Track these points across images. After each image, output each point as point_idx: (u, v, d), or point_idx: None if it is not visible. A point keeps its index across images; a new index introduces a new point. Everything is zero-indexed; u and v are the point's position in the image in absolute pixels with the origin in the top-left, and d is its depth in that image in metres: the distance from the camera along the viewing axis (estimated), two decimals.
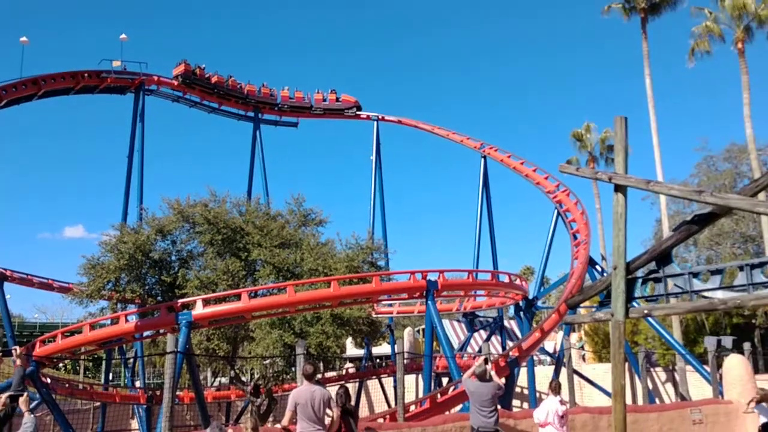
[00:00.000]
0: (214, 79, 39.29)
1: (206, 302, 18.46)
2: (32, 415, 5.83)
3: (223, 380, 34.48)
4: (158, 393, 25.20)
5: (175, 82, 37.96)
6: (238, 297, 18.83)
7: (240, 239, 22.08)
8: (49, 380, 22.60)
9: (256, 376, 22.99)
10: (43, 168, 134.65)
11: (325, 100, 43.51)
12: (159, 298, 21.49)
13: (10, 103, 31.34)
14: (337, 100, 43.88)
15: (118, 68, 35.65)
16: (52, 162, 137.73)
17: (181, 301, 18.97)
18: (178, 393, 26.55)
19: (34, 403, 24.69)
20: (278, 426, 9.35)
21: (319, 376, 29.53)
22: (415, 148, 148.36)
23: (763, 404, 11.26)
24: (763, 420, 11.54)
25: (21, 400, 6.20)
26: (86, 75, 34.61)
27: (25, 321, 55.87)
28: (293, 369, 21.91)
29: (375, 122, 42.70)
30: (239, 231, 22.16)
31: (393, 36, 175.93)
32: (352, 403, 9.50)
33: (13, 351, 6.71)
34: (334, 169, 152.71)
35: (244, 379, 24.09)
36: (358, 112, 44.22)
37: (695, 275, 9.31)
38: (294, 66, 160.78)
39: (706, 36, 31.55)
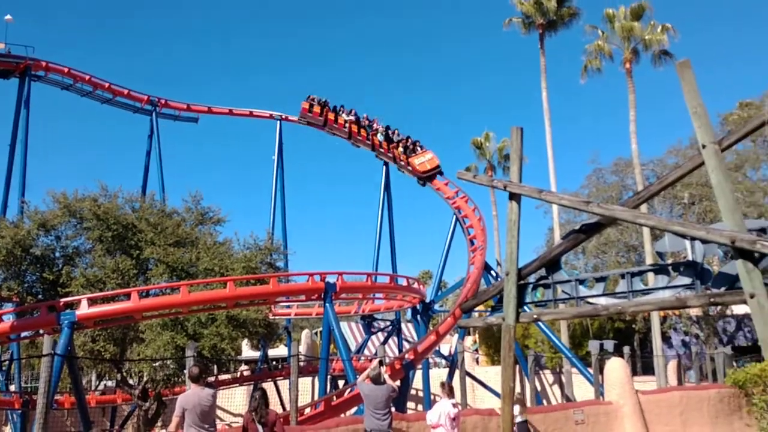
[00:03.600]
0: None
1: (92, 301, 17.55)
2: None
3: (109, 384, 32.98)
4: (35, 397, 23.70)
5: (65, 69, 35.96)
6: (127, 296, 18.03)
7: (132, 236, 21.18)
8: None
9: (145, 380, 22.06)
10: None
11: None
12: (40, 296, 20.29)
13: None
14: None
15: (2, 51, 33.41)
16: None
17: (64, 300, 17.92)
18: (58, 397, 25.07)
19: None
20: None
21: (212, 378, 28.79)
22: (318, 149, 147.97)
23: (517, 407, 12.20)
24: (518, 420, 12.54)
25: None
26: None
27: None
28: (185, 372, 21.16)
29: (278, 121, 42.16)
30: (131, 228, 21.25)
31: (297, 30, 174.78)
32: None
33: None
34: (235, 167, 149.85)
35: (131, 382, 23.06)
36: (260, 112, 43.59)
37: (581, 282, 9.73)
38: (197, 62, 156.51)
39: (597, 54, 33.21)
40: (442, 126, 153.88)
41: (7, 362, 30.44)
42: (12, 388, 29.94)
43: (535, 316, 10.40)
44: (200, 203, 24.21)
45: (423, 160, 35.45)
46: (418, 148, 36.31)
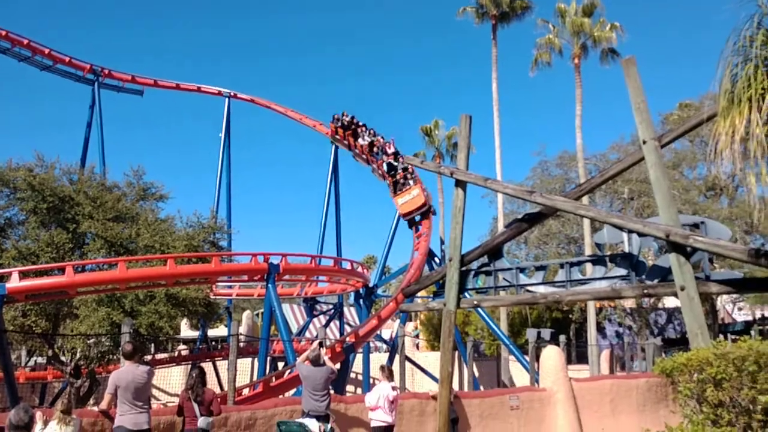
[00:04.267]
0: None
1: (24, 274, 16.94)
2: None
3: (40, 360, 32.01)
4: None
5: (3, 32, 34.39)
6: (62, 271, 17.46)
7: (69, 209, 20.52)
8: None
9: (78, 357, 21.48)
10: None
11: None
12: None
13: None
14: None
15: None
16: None
17: None
18: None
19: None
20: (95, 409, 8.76)
21: (149, 357, 28.28)
22: (267, 129, 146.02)
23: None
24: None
25: None
26: None
27: None
28: (120, 349, 20.70)
29: (226, 99, 41.46)
30: (68, 200, 20.58)
31: (248, 13, 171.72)
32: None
33: None
34: (181, 145, 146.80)
35: (63, 359, 22.41)
36: (208, 88, 42.76)
37: (522, 270, 9.90)
38: (147, 43, 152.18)
39: (548, 48, 33.68)
40: (393, 113, 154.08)
41: None
42: None
43: (475, 302, 10.53)
44: (142, 178, 23.69)
45: (406, 200, 31.10)
46: (410, 182, 31.51)
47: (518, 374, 29.36)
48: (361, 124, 35.52)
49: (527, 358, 22.63)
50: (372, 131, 35.10)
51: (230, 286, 35.85)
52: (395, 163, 32.23)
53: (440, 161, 47.58)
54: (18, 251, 19.10)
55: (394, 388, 10.98)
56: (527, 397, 14.84)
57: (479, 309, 28.42)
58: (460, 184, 9.98)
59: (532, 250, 38.42)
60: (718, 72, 5.56)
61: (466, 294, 10.34)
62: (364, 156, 34.32)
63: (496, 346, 33.95)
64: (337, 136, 35.89)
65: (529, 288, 9.59)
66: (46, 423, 7.35)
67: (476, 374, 29.68)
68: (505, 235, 10.36)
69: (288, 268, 22.00)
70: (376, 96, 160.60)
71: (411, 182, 31.48)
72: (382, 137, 34.45)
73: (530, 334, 18.74)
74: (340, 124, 35.84)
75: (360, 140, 34.60)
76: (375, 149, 33.89)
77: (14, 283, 16.42)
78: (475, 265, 10.25)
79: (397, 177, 31.73)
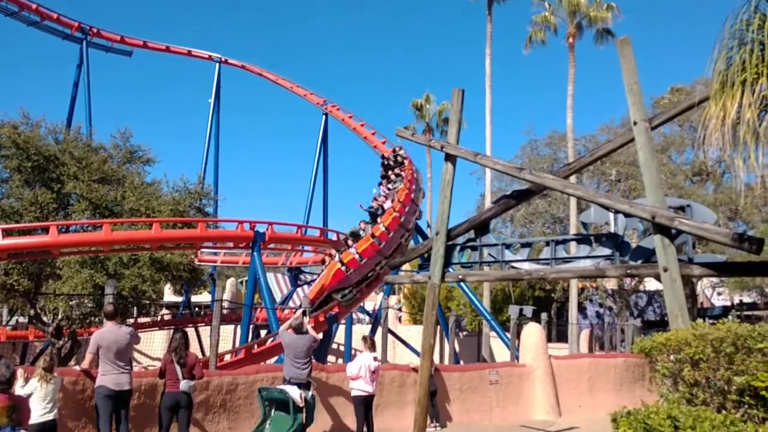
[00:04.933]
0: None
1: (7, 233, 16.81)
2: None
3: (21, 320, 31.89)
4: None
5: None
6: (46, 230, 17.33)
7: (54, 169, 20.34)
8: None
9: (60, 317, 21.44)
10: None
11: None
12: None
13: None
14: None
15: None
16: None
17: None
18: None
19: None
20: (77, 368, 8.77)
21: (131, 321, 28.25)
22: (257, 96, 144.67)
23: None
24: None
25: None
26: None
27: None
28: (102, 312, 20.68)
29: (217, 63, 41.01)
30: (53, 160, 20.39)
31: None
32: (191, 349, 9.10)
33: None
34: (169, 108, 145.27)
35: (45, 319, 22.36)
36: (198, 52, 42.19)
37: (507, 246, 9.94)
38: (137, 3, 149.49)
39: (543, 26, 33.46)
40: (384, 86, 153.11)
41: None
42: None
43: (460, 277, 10.58)
44: (129, 141, 23.51)
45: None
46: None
47: (499, 350, 29.67)
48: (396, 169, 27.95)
49: (508, 335, 22.85)
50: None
51: (215, 253, 35.83)
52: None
53: (430, 136, 47.47)
54: (1, 210, 18.94)
55: (375, 359, 11.07)
56: (507, 373, 15.04)
57: (463, 284, 28.59)
58: (450, 158, 9.96)
59: (518, 228, 38.59)
60: (713, 54, 5.55)
61: (451, 268, 10.38)
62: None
63: (477, 321, 34.24)
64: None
65: (514, 264, 9.63)
66: (27, 380, 7.36)
67: (457, 349, 29.93)
68: (492, 211, 10.39)
69: (274, 237, 21.97)
70: (368, 69, 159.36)
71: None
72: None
73: (512, 310, 18.90)
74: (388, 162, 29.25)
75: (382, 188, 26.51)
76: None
77: None
78: (461, 240, 10.28)
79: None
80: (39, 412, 7.27)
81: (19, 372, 7.29)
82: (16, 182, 19.97)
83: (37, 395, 7.35)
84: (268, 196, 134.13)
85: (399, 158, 28.72)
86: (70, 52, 38.32)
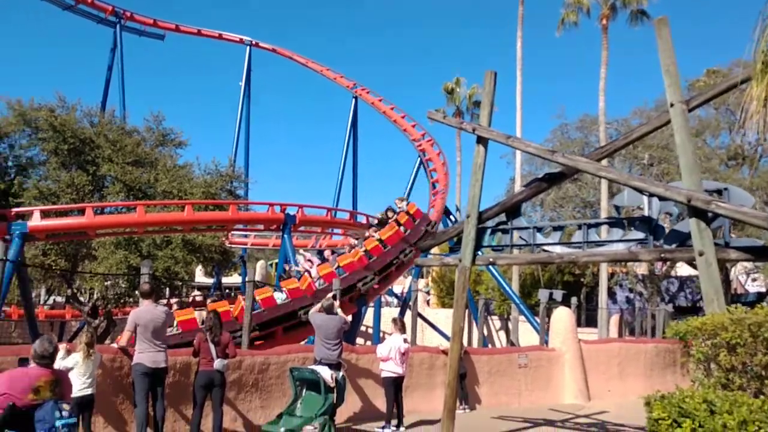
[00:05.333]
0: None
1: (45, 214, 17.17)
2: None
3: (59, 299, 32.67)
4: None
5: None
6: (82, 212, 17.67)
7: (89, 152, 20.70)
8: None
9: (96, 297, 21.92)
10: None
11: None
12: None
13: None
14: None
15: None
16: None
17: (15, 210, 17.50)
18: (5, 308, 24.80)
19: None
20: (115, 345, 8.98)
21: (164, 301, 28.74)
22: (288, 79, 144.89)
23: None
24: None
25: None
26: None
27: None
28: (136, 292, 21.12)
29: (248, 47, 41.12)
30: (89, 143, 20.75)
31: None
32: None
33: None
34: (201, 91, 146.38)
35: (82, 299, 22.90)
36: (229, 35, 42.36)
37: (539, 230, 9.89)
38: None
39: (576, 8, 32.93)
40: (415, 70, 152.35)
41: None
42: None
43: (491, 260, 10.55)
44: (162, 124, 23.81)
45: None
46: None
47: (527, 334, 29.58)
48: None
49: (537, 319, 22.78)
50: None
51: (245, 236, 36.19)
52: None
53: (461, 119, 47.19)
54: (39, 191, 19.37)
55: (405, 341, 11.14)
56: (536, 356, 15.02)
57: (491, 268, 28.52)
58: (482, 140, 9.91)
59: (548, 212, 38.27)
60: (754, 34, 5.43)
61: (480, 252, 10.36)
62: None
63: (506, 305, 34.15)
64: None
65: (545, 248, 9.58)
66: (68, 353, 7.57)
67: (485, 333, 29.93)
68: (523, 194, 10.32)
69: (304, 220, 22.12)
70: (398, 52, 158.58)
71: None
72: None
73: (542, 294, 18.83)
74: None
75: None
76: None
77: (35, 221, 16.67)
78: (491, 223, 10.24)
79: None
80: (78, 386, 7.46)
81: (61, 346, 7.49)
82: (53, 164, 20.38)
83: (78, 370, 7.55)
84: (297, 179, 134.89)
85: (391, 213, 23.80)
86: (104, 35, 38.61)
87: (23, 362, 6.71)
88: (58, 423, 5.63)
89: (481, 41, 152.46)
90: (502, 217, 10.09)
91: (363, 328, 32.57)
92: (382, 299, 33.87)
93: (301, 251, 18.77)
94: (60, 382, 6.13)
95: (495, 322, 34.97)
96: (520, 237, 9.93)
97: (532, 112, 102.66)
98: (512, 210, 10.00)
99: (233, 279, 43.73)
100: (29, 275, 19.74)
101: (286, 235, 21.21)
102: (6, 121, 19.97)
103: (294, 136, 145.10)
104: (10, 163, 20.62)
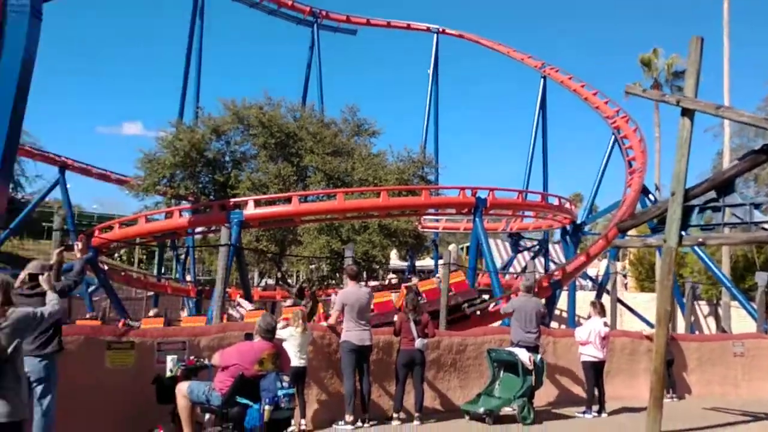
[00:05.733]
0: None
1: (257, 203, 18.82)
2: (56, 295, 5.63)
3: (270, 282, 35.59)
4: (207, 288, 26.23)
5: None
6: (288, 200, 19.13)
7: (293, 144, 22.28)
8: (106, 267, 23.69)
9: (302, 279, 23.65)
10: (103, 62, 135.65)
11: None
12: (211, 196, 22.06)
13: None
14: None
15: None
16: (112, 58, 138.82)
17: (233, 200, 19.39)
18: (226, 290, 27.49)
19: (92, 288, 26.04)
20: (323, 324, 9.68)
21: (363, 283, 30.25)
22: (473, 63, 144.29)
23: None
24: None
25: (42, 278, 5.81)
26: None
27: (83, 210, 57.57)
28: (338, 274, 22.49)
29: (435, 35, 41.62)
30: (293, 136, 22.33)
31: None
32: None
33: (76, 245, 6.94)
34: (390, 80, 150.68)
35: (289, 281, 24.82)
36: (417, 24, 43.17)
37: (757, 206, 9.06)
38: None
39: None
40: (604, 45, 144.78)
41: (183, 255, 33.71)
42: (187, 278, 33.28)
43: (700, 240, 9.83)
44: (356, 115, 24.91)
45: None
46: None
47: (740, 321, 27.10)
48: None
49: (753, 305, 20.82)
50: None
51: (437, 220, 36.85)
52: None
53: (661, 92, 44.12)
54: (251, 182, 21.21)
55: (605, 324, 10.80)
56: (753, 345, 13.82)
57: (698, 249, 26.50)
58: (687, 113, 9.25)
59: (763, 188, 34.71)
60: None
61: (686, 232, 9.70)
62: None
63: (714, 290, 31.53)
64: None
65: (765, 225, 8.75)
66: (286, 326, 8.35)
67: (692, 319, 27.90)
68: (736, 169, 9.48)
69: (495, 203, 22.02)
70: (586, 28, 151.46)
71: None
72: None
73: (759, 277, 17.19)
74: None
75: None
76: None
77: (250, 210, 18.34)
78: (697, 201, 9.55)
79: None
80: (293, 359, 8.19)
81: (279, 320, 8.30)
82: (262, 158, 22.21)
83: (293, 343, 8.27)
84: (487, 160, 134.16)
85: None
86: (302, 35, 40.98)
87: (248, 337, 7.51)
88: (280, 392, 6.25)
89: (678, 10, 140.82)
90: (711, 195, 9.37)
91: (557, 312, 31.85)
92: (576, 283, 32.87)
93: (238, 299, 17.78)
94: (280, 355, 6.80)
95: (702, 307, 32.42)
96: (734, 215, 9.16)
97: (739, 81, 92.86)
98: (724, 186, 9.24)
99: (425, 262, 44.76)
100: (245, 259, 21.74)
101: (477, 219, 21.29)
102: (224, 121, 22.06)
103: (482, 119, 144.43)
104: (227, 158, 22.75)
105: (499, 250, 44.84)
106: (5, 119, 14.29)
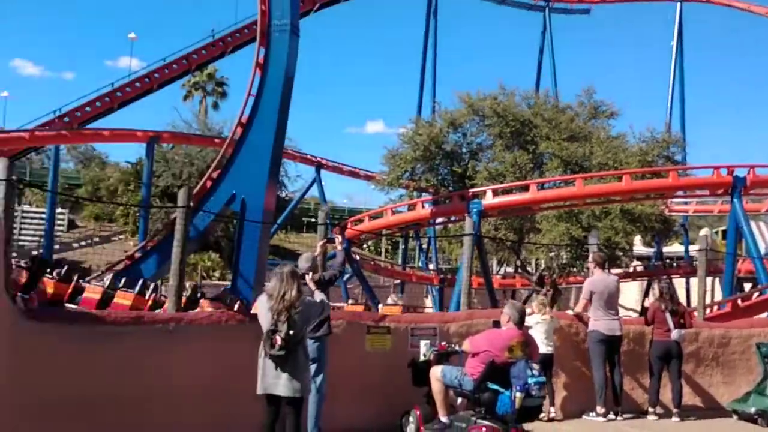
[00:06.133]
0: None
1: (495, 193, 19.06)
2: (322, 295, 6.29)
3: (509, 270, 35.69)
4: (449, 276, 27.12)
5: None
6: (525, 189, 19.10)
7: (528, 132, 22.19)
8: (358, 257, 25.66)
9: (542, 267, 23.46)
10: (347, 64, 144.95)
11: None
12: (450, 187, 22.78)
13: (323, 6, 33.22)
14: None
15: None
16: (353, 60, 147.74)
17: (471, 190, 19.86)
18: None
19: (346, 276, 28.35)
20: (569, 312, 9.58)
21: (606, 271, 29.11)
22: (722, 29, 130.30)
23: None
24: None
25: (308, 278, 6.49)
26: None
27: (335, 205, 62.60)
28: (579, 262, 21.92)
29: (678, 3, 38.47)
30: (527, 124, 22.24)
31: None
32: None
33: (336, 238, 7.78)
34: (628, 58, 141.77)
35: (529, 269, 24.73)
36: None
37: None
38: None
39: None
40: None
41: (426, 244, 35.17)
42: (430, 267, 34.67)
43: None
44: (592, 97, 24.05)
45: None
46: None
47: None
48: None
49: None
50: None
51: (686, 203, 34.19)
52: None
53: None
54: (488, 172, 21.53)
55: None
56: None
57: None
58: None
59: None
60: None
61: None
62: None
63: None
64: None
65: None
66: (530, 314, 8.44)
67: None
68: None
69: (756, 181, 19.86)
70: None
71: None
72: None
73: None
74: None
75: None
76: None
77: (488, 200, 18.66)
78: None
79: None
80: (540, 346, 8.24)
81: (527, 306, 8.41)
82: (498, 147, 22.41)
83: (540, 330, 8.32)
84: (744, 136, 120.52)
85: None
86: (534, 20, 40.35)
87: (496, 324, 7.71)
88: (530, 380, 6.33)
89: None
90: None
91: None
92: None
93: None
94: (529, 343, 6.90)
95: None
96: None
97: None
98: None
99: (673, 248, 41.67)
100: (485, 247, 22.12)
101: (735, 200, 19.39)
102: (459, 113, 22.67)
103: (737, 91, 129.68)
104: (464, 150, 23.32)
105: (762, 233, 40.17)
106: (272, 127, 16.21)
